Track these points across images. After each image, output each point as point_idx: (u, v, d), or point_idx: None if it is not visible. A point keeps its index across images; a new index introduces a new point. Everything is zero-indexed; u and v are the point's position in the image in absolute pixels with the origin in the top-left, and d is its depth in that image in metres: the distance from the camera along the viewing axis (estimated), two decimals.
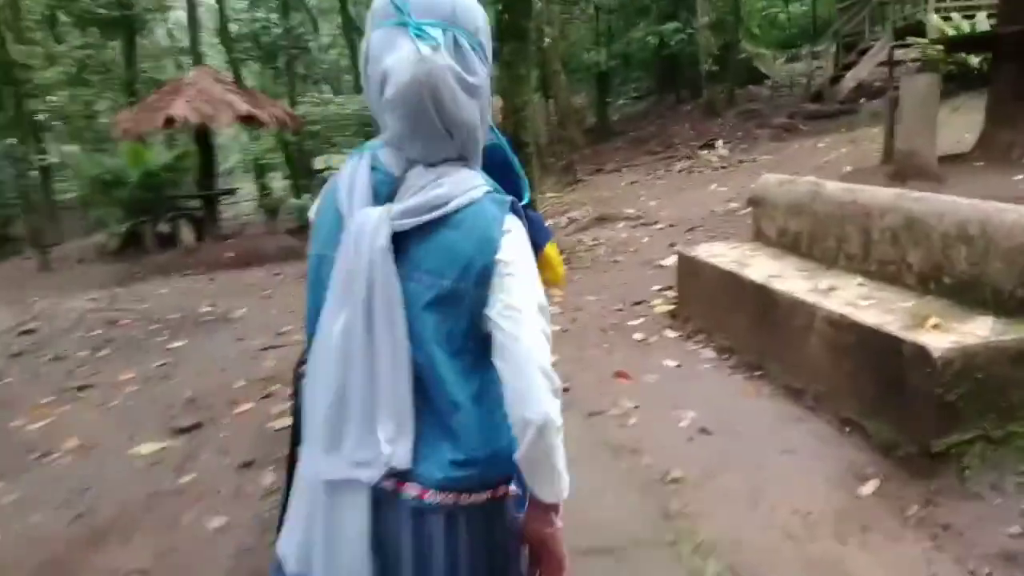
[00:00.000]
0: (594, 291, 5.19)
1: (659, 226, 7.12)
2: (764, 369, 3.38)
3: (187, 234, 10.89)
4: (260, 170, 26.13)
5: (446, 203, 1.01)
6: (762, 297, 3.42)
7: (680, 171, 10.74)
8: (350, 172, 1.07)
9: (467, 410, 1.03)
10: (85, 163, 12.92)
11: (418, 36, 0.98)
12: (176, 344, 5.51)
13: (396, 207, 1.00)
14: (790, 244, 3.94)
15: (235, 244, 11.01)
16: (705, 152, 11.30)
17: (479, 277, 1.01)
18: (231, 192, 14.96)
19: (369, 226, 0.99)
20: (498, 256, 1.01)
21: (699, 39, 17.18)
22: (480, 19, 1.07)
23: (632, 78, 26.51)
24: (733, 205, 7.51)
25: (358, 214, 1.01)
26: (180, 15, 35.28)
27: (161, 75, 17.32)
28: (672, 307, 4.51)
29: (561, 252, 6.26)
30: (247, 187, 27.81)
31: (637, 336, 4.15)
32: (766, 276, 3.51)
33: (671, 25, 17.95)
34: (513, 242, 1.04)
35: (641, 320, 4.45)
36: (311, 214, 1.17)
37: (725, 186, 8.86)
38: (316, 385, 1.07)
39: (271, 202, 12.91)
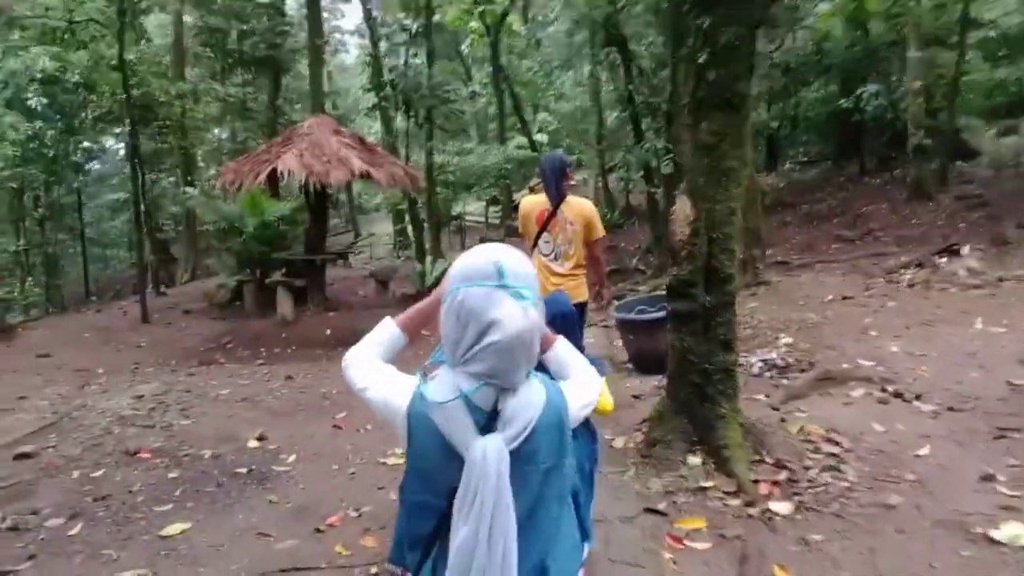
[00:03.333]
0: None
1: (928, 408, 4.28)
2: None
3: (285, 304, 9.51)
4: (397, 216, 25.48)
5: (536, 414, 1.34)
6: None
7: (912, 285, 7.83)
8: (451, 417, 1.32)
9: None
10: (204, 209, 12.15)
11: (519, 297, 1.31)
12: (175, 528, 3.70)
13: (507, 433, 1.30)
14: None
15: (336, 319, 9.50)
16: (945, 261, 8.32)
17: (564, 439, 1.40)
18: (342, 256, 13.76)
19: (493, 454, 1.25)
20: (569, 418, 1.42)
21: (906, 105, 14.13)
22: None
23: (800, 141, 23.60)
24: None
25: (477, 445, 1.27)
26: (341, 58, 36.57)
27: (302, 117, 16.69)
28: None
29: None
30: (387, 228, 27.39)
31: None
32: None
33: (872, 88, 15.03)
34: (569, 397, 1.45)
35: None
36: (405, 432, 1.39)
37: (998, 324, 6.00)
38: None
39: (383, 271, 11.37)
